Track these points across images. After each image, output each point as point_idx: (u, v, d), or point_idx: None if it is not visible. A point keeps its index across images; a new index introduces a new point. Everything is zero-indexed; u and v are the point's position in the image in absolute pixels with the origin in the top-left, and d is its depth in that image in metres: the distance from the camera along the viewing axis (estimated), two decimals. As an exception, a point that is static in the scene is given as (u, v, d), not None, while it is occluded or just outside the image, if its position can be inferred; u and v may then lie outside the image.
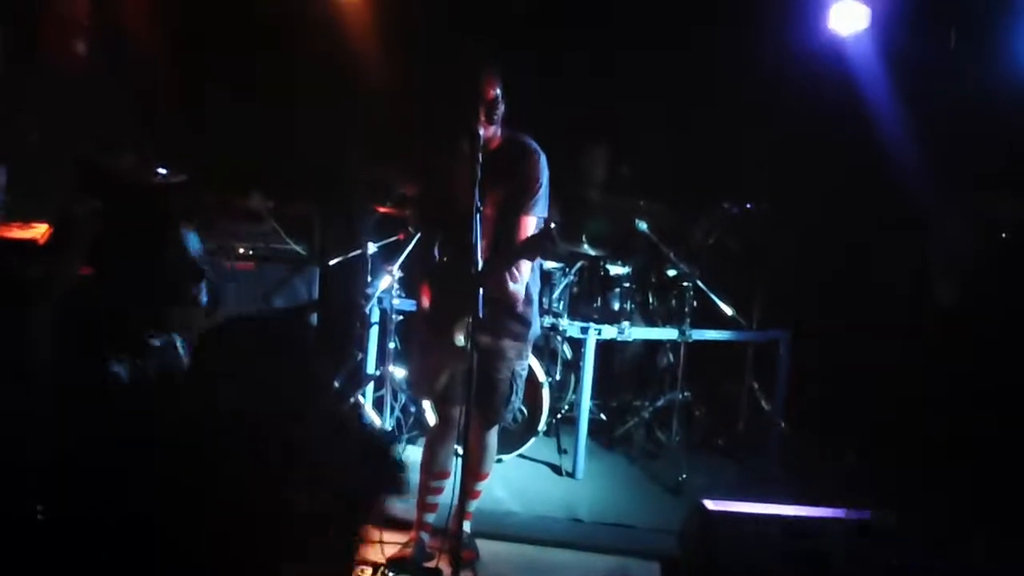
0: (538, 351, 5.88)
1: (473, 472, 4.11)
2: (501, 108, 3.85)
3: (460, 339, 3.73)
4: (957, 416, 5.40)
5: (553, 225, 3.58)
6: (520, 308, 3.98)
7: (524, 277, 4.00)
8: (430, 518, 4.29)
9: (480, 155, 3.73)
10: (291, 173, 6.52)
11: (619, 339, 5.81)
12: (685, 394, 6.03)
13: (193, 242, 2.64)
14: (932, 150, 5.81)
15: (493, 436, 4.23)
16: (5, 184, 3.48)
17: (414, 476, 4.45)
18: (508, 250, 3.85)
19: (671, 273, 6.14)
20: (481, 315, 3.51)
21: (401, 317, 5.86)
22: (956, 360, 5.58)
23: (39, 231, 4.31)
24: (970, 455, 5.24)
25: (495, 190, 3.89)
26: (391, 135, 6.19)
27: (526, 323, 4.06)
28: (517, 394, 4.11)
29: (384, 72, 6.44)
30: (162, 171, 5.93)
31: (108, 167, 5.61)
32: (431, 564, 4.06)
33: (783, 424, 6.02)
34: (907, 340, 5.95)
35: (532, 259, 3.94)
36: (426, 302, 4.15)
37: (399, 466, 5.10)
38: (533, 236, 3.70)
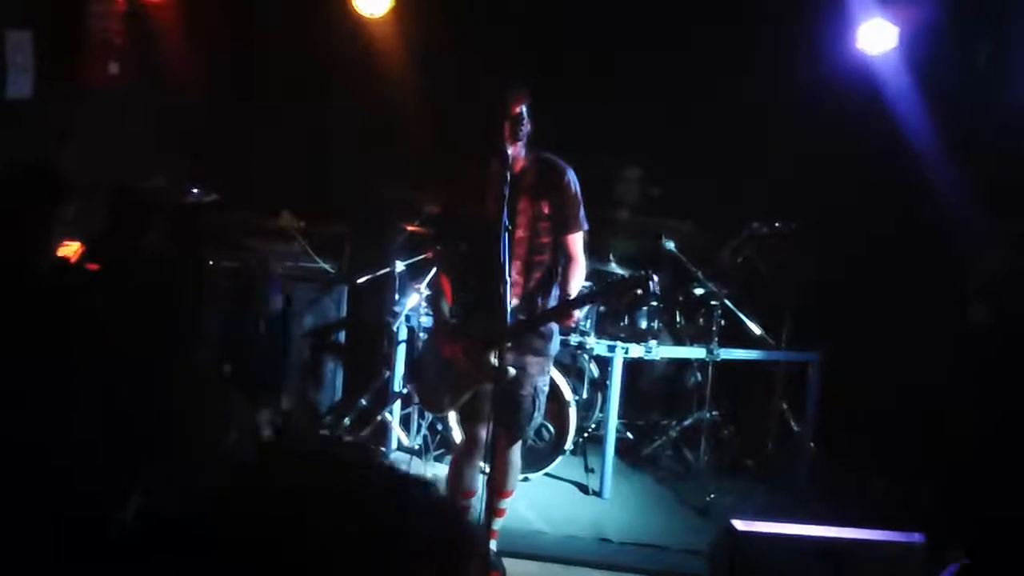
0: (565, 369, 5.87)
1: (498, 490, 4.11)
2: (527, 126, 3.87)
3: (494, 359, 3.73)
4: (989, 436, 5.32)
5: (656, 278, 3.60)
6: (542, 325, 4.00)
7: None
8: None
9: (508, 174, 3.76)
10: (321, 192, 6.57)
11: (646, 358, 5.78)
12: (713, 414, 5.98)
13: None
14: (962, 169, 5.76)
15: (517, 453, 4.23)
16: (74, 213, 3.53)
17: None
18: (580, 264, 3.97)
19: (699, 292, 6.12)
20: (514, 337, 3.56)
21: (430, 333, 5.87)
22: (990, 381, 5.51)
23: (71, 249, 4.36)
24: (1004, 477, 5.17)
25: (526, 210, 3.92)
26: (420, 154, 6.23)
27: (548, 339, 4.07)
28: (539, 410, 4.12)
29: (413, 91, 6.48)
30: (195, 191, 6.00)
31: (142, 189, 5.68)
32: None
33: (813, 446, 5.97)
34: (940, 361, 5.89)
35: (618, 303, 3.97)
36: (451, 321, 4.17)
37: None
38: (627, 281, 3.74)
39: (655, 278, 3.60)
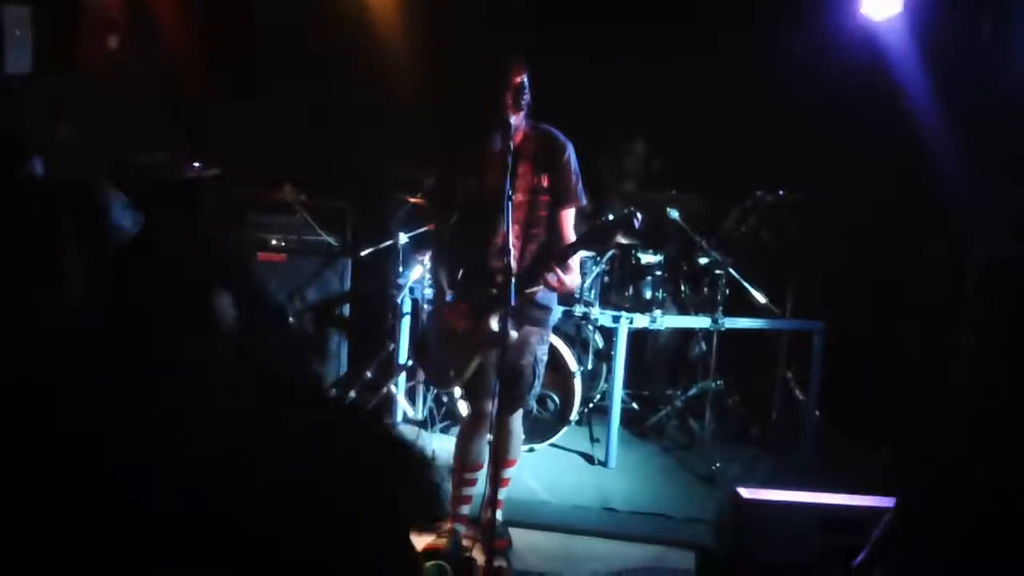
0: (569, 340, 5.88)
1: (501, 459, 4.13)
2: (527, 96, 3.86)
3: (495, 324, 3.75)
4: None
5: (635, 211, 3.58)
6: (541, 295, 4.00)
7: (577, 266, 4.02)
8: (464, 509, 4.30)
9: (511, 144, 3.76)
10: (323, 165, 6.55)
11: (651, 328, 5.79)
12: (718, 383, 5.99)
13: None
14: (966, 139, 5.72)
15: (518, 422, 4.24)
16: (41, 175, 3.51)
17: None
18: (571, 240, 3.91)
19: (703, 261, 6.12)
20: (515, 304, 3.55)
21: (432, 307, 5.88)
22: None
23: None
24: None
25: (526, 176, 3.93)
26: (421, 126, 6.20)
27: (547, 309, 4.08)
28: (539, 379, 4.14)
29: (415, 63, 6.45)
30: (196, 165, 5.97)
31: (141, 162, 5.66)
32: (466, 554, 4.08)
33: (818, 414, 5.98)
34: (943, 330, 5.88)
35: (602, 248, 3.88)
36: (450, 292, 4.17)
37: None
38: (612, 222, 3.71)
39: (639, 216, 3.58)
